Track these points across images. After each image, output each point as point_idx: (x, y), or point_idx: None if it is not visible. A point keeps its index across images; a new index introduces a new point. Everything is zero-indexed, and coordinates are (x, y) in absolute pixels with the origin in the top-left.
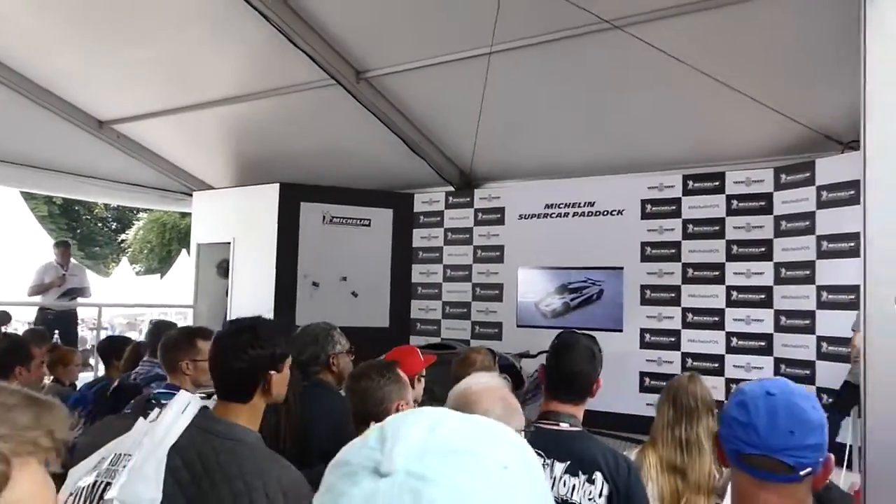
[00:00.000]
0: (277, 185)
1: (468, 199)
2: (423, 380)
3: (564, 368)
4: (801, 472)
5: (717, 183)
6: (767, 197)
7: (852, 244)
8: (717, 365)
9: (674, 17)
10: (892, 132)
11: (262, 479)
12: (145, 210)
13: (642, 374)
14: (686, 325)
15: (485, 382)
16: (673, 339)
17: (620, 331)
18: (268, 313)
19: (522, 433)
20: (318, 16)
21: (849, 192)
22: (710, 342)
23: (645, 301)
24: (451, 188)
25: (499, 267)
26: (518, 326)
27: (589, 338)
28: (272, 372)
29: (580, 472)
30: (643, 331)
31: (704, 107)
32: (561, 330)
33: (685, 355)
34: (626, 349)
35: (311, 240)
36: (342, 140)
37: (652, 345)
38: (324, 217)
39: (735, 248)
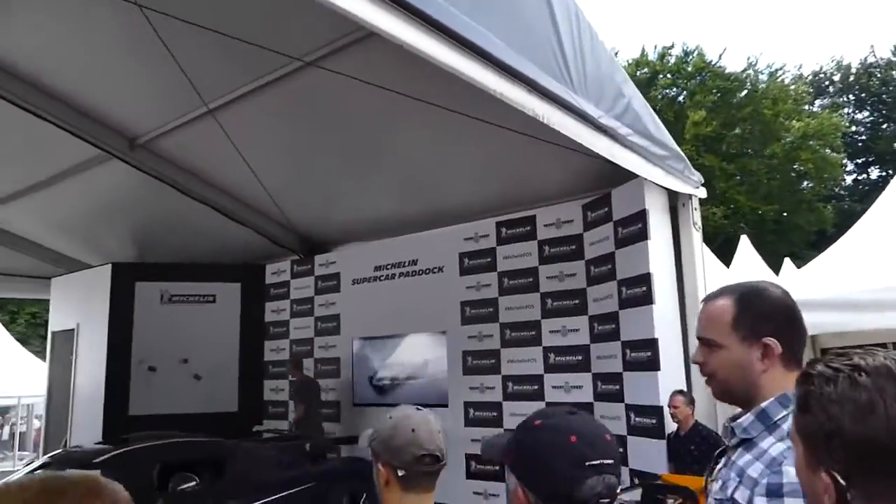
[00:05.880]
0: (109, 265)
1: (309, 267)
2: None
3: None
4: None
5: (528, 228)
6: (577, 239)
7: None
8: None
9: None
10: None
11: None
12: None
13: (468, 458)
14: (507, 396)
15: None
16: (495, 414)
17: (446, 406)
18: (98, 403)
19: None
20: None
21: (637, 226)
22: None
23: (468, 370)
24: (297, 256)
25: (336, 339)
26: (355, 405)
27: None
28: None
29: None
30: (467, 405)
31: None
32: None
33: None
34: (452, 427)
35: (147, 321)
36: (163, 213)
37: (475, 421)
38: (162, 296)
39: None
